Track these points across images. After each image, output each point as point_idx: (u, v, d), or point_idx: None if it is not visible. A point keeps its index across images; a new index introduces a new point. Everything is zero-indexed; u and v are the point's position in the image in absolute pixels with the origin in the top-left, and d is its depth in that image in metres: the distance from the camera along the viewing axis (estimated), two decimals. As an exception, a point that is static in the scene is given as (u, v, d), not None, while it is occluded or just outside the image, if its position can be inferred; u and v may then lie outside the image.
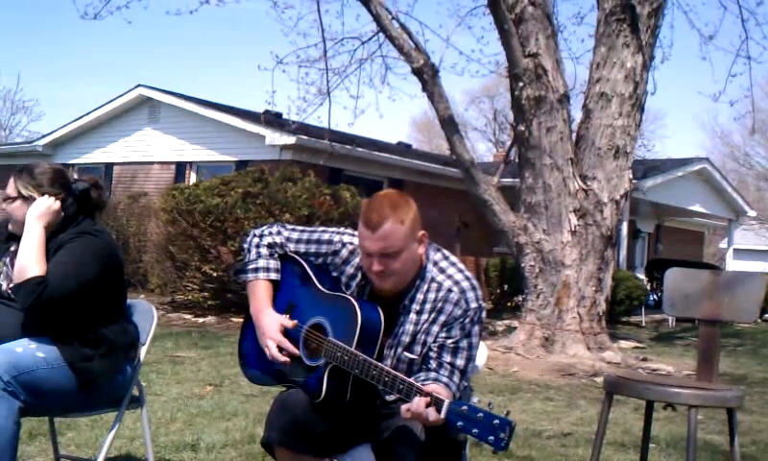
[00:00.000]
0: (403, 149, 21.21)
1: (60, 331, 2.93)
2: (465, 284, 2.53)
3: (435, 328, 2.51)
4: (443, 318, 2.51)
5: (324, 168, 14.75)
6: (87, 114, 18.10)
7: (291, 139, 14.34)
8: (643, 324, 16.17)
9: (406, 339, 2.53)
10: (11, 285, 2.99)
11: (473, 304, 2.51)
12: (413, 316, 2.53)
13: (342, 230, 2.73)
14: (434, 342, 2.51)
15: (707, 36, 13.68)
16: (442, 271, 2.56)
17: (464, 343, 2.50)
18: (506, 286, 17.13)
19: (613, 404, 3.22)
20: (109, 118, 17.91)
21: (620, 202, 10.24)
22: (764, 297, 3.35)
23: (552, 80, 9.87)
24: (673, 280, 3.51)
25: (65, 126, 18.58)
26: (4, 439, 2.71)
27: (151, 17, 53.42)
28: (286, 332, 2.60)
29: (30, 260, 2.88)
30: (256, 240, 2.76)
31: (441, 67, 10.69)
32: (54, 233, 3.02)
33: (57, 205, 3.04)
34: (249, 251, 2.76)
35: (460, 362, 2.48)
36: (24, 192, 3.06)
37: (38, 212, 3.00)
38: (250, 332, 2.76)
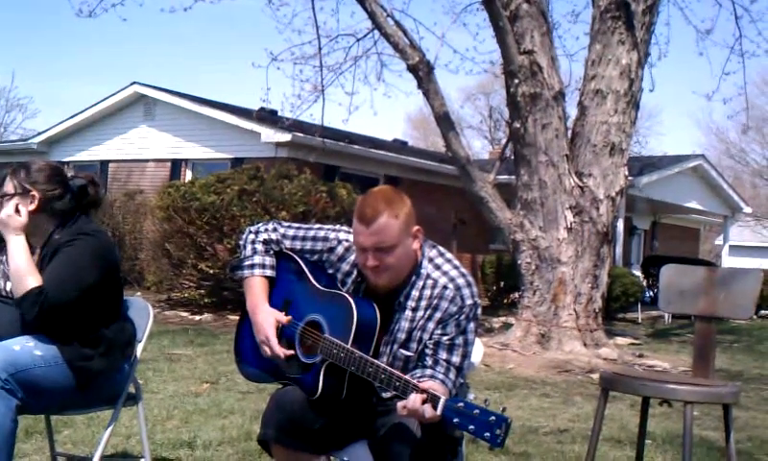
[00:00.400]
0: (399, 146, 21.21)
1: (60, 332, 2.92)
2: (460, 281, 2.53)
3: (430, 325, 2.51)
4: (438, 315, 2.51)
5: (320, 165, 14.75)
6: (83, 112, 18.06)
7: (286, 136, 14.33)
8: (639, 320, 16.20)
9: (402, 336, 2.53)
10: (8, 287, 2.98)
11: (469, 301, 2.51)
12: (408, 313, 2.53)
13: (337, 227, 2.73)
14: (430, 339, 2.50)
15: (704, 31, 13.71)
16: (437, 267, 2.56)
17: (459, 340, 2.50)
18: (502, 283, 17.15)
19: (610, 401, 3.22)
20: (105, 116, 17.87)
21: (616, 199, 10.26)
22: (760, 293, 3.35)
23: (547, 77, 9.87)
24: (669, 277, 3.51)
25: (61, 123, 18.54)
26: (1, 437, 2.71)
27: (146, 15, 53.35)
28: (282, 329, 2.60)
29: (23, 273, 2.87)
30: (252, 237, 2.76)
31: (436, 65, 10.69)
32: (50, 234, 3.01)
33: (23, 211, 2.99)
34: (245, 247, 2.76)
35: (456, 359, 2.48)
36: (19, 190, 3.04)
37: (13, 225, 2.97)
38: (246, 329, 2.76)
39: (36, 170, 3.08)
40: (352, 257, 2.62)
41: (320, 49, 13.16)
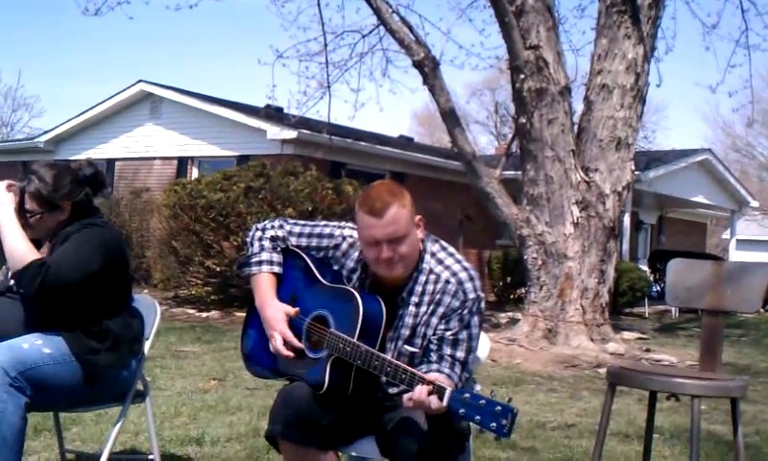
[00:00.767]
0: (405, 142, 21.19)
1: (65, 324, 2.94)
2: (462, 275, 2.53)
3: (434, 320, 2.51)
4: (441, 310, 2.51)
5: (326, 162, 14.74)
6: (89, 110, 18.09)
7: (292, 134, 14.33)
8: (646, 315, 16.18)
9: (406, 332, 2.54)
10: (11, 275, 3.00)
11: (471, 295, 2.51)
12: (412, 309, 2.54)
13: (342, 223, 2.73)
14: (433, 334, 2.51)
15: (710, 26, 13.68)
16: (439, 262, 2.56)
17: (463, 335, 2.50)
18: (509, 278, 17.15)
19: (617, 395, 3.22)
20: (111, 114, 17.90)
21: (622, 193, 10.24)
22: (767, 287, 3.34)
23: (553, 72, 9.86)
24: (676, 271, 3.51)
25: (67, 122, 18.57)
26: (11, 434, 2.73)
27: (152, 13, 53.39)
28: (290, 324, 2.60)
29: (22, 248, 2.89)
30: (259, 234, 2.77)
31: (441, 60, 10.71)
32: (63, 225, 3.02)
33: (4, 183, 3.03)
34: (252, 244, 2.76)
35: (460, 354, 2.49)
36: (46, 205, 3.05)
37: (1, 200, 2.99)
38: (253, 326, 2.77)
39: (55, 177, 3.06)
40: (356, 254, 2.62)
41: (325, 46, 13.18)
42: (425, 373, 2.39)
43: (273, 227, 2.77)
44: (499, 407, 2.14)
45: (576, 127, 10.32)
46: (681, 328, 13.92)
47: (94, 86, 62.73)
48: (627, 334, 11.49)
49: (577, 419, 5.65)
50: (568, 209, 9.92)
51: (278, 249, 2.75)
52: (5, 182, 3.05)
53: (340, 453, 2.63)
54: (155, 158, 17.27)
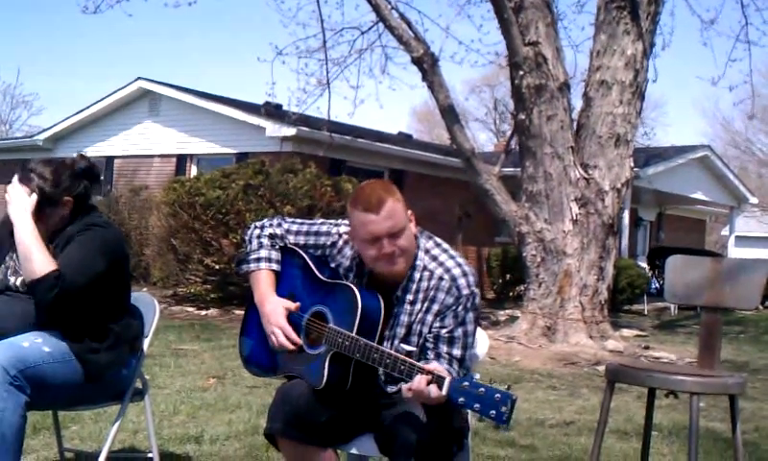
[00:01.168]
0: (404, 139, 21.18)
1: (65, 322, 2.93)
2: (456, 271, 2.53)
3: (429, 318, 2.51)
4: (436, 307, 2.51)
5: (325, 159, 14.73)
6: (87, 108, 18.08)
7: (291, 131, 14.32)
8: (645, 312, 16.18)
9: (402, 331, 2.53)
10: (17, 282, 2.99)
11: (465, 291, 2.51)
12: (407, 306, 2.54)
13: (339, 221, 2.74)
14: (429, 332, 2.51)
15: (707, 21, 13.69)
16: (433, 259, 2.56)
17: (458, 332, 2.49)
18: (508, 276, 17.14)
19: (616, 393, 3.22)
20: (110, 112, 17.89)
21: (621, 190, 10.24)
22: (766, 284, 3.34)
23: (552, 68, 9.85)
24: (675, 268, 3.51)
25: (66, 120, 18.56)
26: (11, 433, 2.72)
27: (151, 10, 53.31)
28: (289, 320, 2.60)
29: (39, 256, 2.86)
30: (258, 232, 2.77)
31: (440, 57, 10.70)
32: (63, 225, 3.02)
33: (26, 189, 3.00)
34: (250, 242, 2.76)
35: (457, 352, 2.48)
36: (53, 200, 3.04)
37: (22, 205, 2.95)
38: (251, 324, 2.77)
39: (54, 173, 3.05)
40: (351, 252, 2.63)
41: (324, 43, 13.18)
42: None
43: (271, 225, 2.78)
44: (498, 395, 2.14)
45: (575, 123, 10.32)
46: (680, 326, 13.92)
47: (93, 84, 62.74)
48: (626, 331, 11.49)
49: (576, 416, 5.65)
50: (567, 206, 9.92)
51: (277, 247, 2.75)
52: (25, 186, 3.02)
53: (339, 451, 2.63)
54: (153, 156, 17.27)
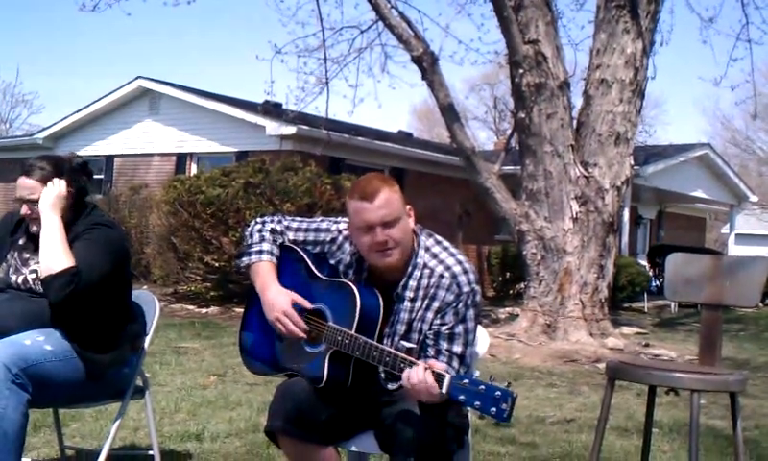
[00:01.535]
0: (404, 138, 21.18)
1: (67, 320, 2.94)
2: (456, 269, 2.53)
3: (429, 315, 2.51)
4: (436, 304, 2.51)
5: (325, 158, 14.73)
6: (87, 106, 18.07)
7: (291, 129, 14.32)
8: (645, 310, 16.18)
9: (402, 328, 2.53)
10: (19, 280, 2.99)
11: (466, 288, 2.51)
12: (407, 304, 2.54)
13: (338, 218, 2.74)
14: (429, 329, 2.51)
15: (707, 20, 13.69)
16: (434, 256, 2.56)
17: (459, 329, 2.49)
18: (508, 274, 17.14)
19: (616, 390, 3.22)
20: (110, 110, 17.89)
21: (621, 188, 10.24)
22: (766, 281, 3.34)
23: (552, 66, 9.85)
24: (675, 266, 3.51)
25: (66, 118, 18.56)
26: (13, 431, 2.73)
27: (150, 9, 53.29)
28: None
29: (59, 251, 2.88)
30: (259, 227, 2.77)
31: (440, 56, 10.67)
32: (67, 224, 3.02)
33: (64, 187, 3.03)
34: (251, 236, 2.76)
35: (457, 349, 2.48)
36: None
37: (51, 201, 2.98)
38: (251, 322, 2.77)
39: (55, 166, 3.07)
40: (351, 247, 2.63)
41: (324, 41, 13.17)
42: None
43: (272, 220, 2.79)
44: (499, 392, 2.14)
45: (575, 122, 10.31)
46: (680, 323, 13.93)
47: (93, 83, 62.72)
48: (626, 329, 11.49)
49: (576, 413, 5.66)
50: (567, 204, 9.92)
51: (278, 242, 2.75)
52: (64, 186, 3.04)
53: (339, 449, 2.63)
54: (153, 155, 17.27)
